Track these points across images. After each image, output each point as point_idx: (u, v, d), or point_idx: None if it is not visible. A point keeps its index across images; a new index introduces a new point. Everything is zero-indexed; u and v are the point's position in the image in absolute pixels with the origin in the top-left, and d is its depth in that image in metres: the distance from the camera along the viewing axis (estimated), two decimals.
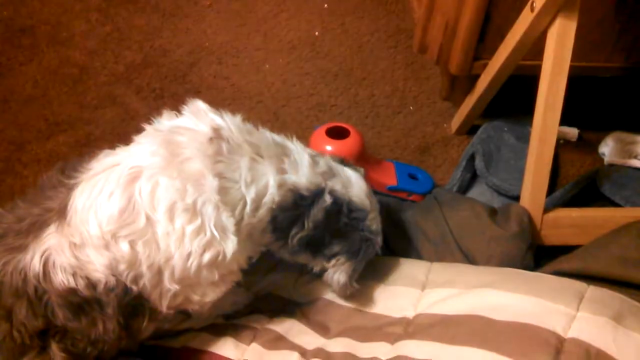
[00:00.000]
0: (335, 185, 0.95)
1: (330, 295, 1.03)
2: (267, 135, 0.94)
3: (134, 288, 0.82)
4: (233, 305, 1.05)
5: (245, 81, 1.62)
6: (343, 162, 1.03)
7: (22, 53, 1.66)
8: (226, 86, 1.61)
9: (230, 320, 1.03)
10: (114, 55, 1.66)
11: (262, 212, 0.89)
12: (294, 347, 0.96)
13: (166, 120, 0.92)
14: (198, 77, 1.63)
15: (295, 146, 0.96)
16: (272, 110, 1.56)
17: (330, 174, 0.96)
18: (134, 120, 1.53)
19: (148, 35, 1.71)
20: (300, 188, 0.91)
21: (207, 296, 0.91)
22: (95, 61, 1.65)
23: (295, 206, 0.92)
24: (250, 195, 0.87)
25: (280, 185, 0.90)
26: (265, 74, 1.64)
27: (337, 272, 0.97)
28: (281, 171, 0.91)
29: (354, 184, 0.98)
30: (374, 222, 0.99)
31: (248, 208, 0.87)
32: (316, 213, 0.92)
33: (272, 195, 0.89)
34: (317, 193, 0.93)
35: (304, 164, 0.93)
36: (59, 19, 1.74)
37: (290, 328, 0.99)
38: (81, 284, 0.80)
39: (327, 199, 0.93)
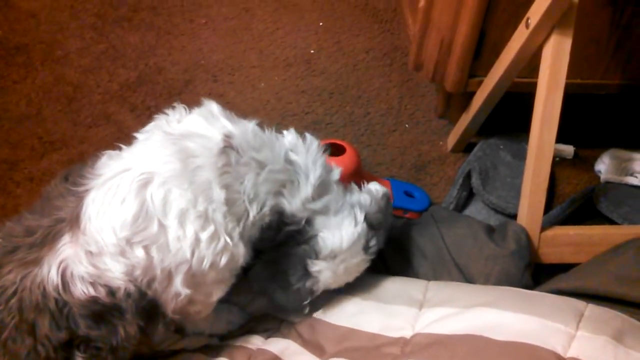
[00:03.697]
0: (317, 220, 0.93)
1: (326, 315, 1.02)
2: (279, 151, 0.92)
3: (149, 292, 0.82)
4: (228, 325, 1.03)
5: (241, 99, 1.62)
6: (373, 226, 1.00)
7: (17, 71, 1.65)
8: (221, 104, 1.56)
9: (225, 341, 1.01)
10: (108, 74, 1.66)
11: (255, 229, 0.90)
12: None
13: (175, 120, 0.91)
14: (193, 95, 1.62)
15: (310, 171, 0.93)
16: (268, 128, 1.55)
17: (322, 212, 0.94)
18: (128, 139, 1.51)
19: (143, 53, 1.71)
20: (285, 214, 0.91)
21: (212, 296, 0.91)
22: (89, 79, 1.64)
23: (277, 228, 0.92)
24: (252, 212, 0.87)
25: (272, 207, 0.90)
26: (260, 91, 1.64)
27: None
28: (278, 194, 0.90)
29: (336, 229, 0.94)
30: (322, 276, 0.96)
31: (249, 221, 0.87)
32: (283, 235, 0.92)
33: (265, 215, 0.89)
34: (297, 221, 0.92)
35: (301, 195, 0.91)
36: (54, 37, 1.73)
37: (286, 348, 0.98)
38: (101, 292, 0.79)
39: (299, 225, 0.92)
